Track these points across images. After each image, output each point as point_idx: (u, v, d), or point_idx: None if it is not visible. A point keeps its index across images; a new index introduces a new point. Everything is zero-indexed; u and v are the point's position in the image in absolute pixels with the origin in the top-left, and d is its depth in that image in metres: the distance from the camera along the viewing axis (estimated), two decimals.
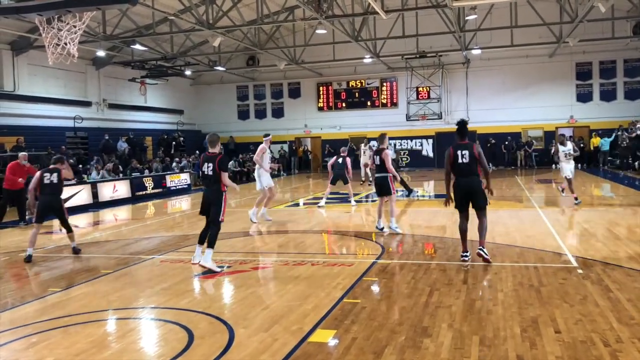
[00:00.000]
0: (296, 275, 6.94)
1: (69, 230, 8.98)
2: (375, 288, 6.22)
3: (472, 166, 7.02)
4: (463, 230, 7.25)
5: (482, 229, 7.07)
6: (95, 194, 16.99)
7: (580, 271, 6.62)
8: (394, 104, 30.42)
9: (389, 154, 9.72)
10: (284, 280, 6.79)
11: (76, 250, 8.93)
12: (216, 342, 4.63)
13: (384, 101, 30.66)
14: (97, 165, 19.23)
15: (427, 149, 30.45)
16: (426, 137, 30.30)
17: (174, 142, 27.55)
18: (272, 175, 13.66)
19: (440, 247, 8.52)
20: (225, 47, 25.27)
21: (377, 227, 9.93)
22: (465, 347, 4.33)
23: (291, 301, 5.74)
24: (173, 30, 21.60)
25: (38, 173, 8.88)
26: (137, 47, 22.00)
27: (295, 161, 32.29)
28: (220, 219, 7.19)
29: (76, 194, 16.10)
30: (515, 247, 8.09)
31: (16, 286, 6.99)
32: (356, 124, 30.37)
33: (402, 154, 30.67)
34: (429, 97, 29.75)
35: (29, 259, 8.34)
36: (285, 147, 32.30)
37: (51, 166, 8.92)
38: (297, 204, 16.14)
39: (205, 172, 7.20)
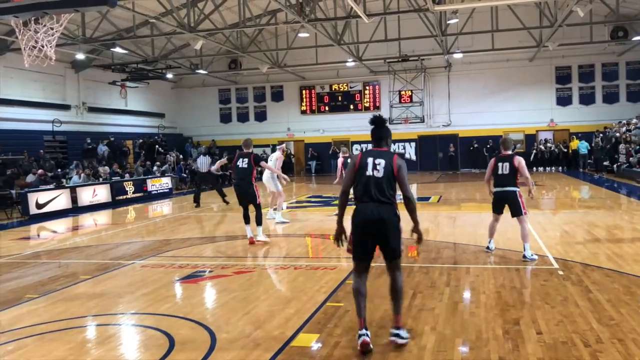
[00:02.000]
0: (279, 280, 6.89)
1: None
2: None
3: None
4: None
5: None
6: (74, 199, 16.72)
7: (561, 272, 6.68)
8: (377, 107, 30.52)
9: (522, 162, 7.47)
10: (266, 284, 6.74)
11: None
12: (197, 348, 4.56)
13: (367, 104, 30.76)
14: (77, 169, 18.94)
15: (410, 152, 30.59)
16: (409, 141, 30.45)
17: (156, 146, 27.27)
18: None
19: (423, 250, 8.53)
20: (207, 50, 25.12)
21: (487, 249, 8.01)
22: (448, 350, 4.33)
23: (273, 305, 5.69)
24: (154, 33, 21.41)
25: None
26: (118, 50, 21.75)
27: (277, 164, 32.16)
28: (258, 202, 9.03)
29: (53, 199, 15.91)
30: (497, 249, 8.13)
31: None
32: (339, 127, 30.42)
33: None
34: (411, 100, 29.93)
35: None
36: (269, 150, 32.18)
37: None
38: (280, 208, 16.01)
39: (240, 166, 8.92)
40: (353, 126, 30.06)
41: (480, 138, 28.63)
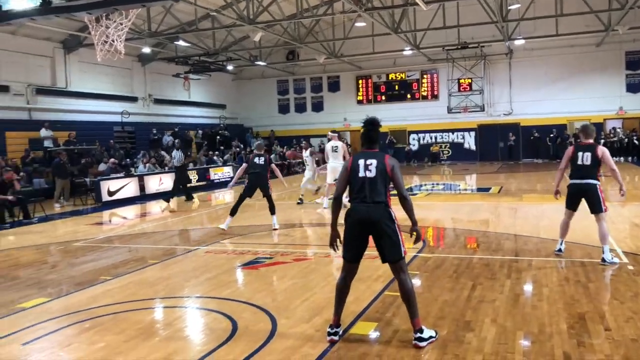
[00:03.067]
0: (337, 268, 6.97)
1: None
2: (416, 281, 6.19)
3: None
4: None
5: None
6: (142, 187, 17.56)
7: (630, 267, 6.41)
8: (435, 97, 29.99)
9: (607, 152, 6.71)
10: (324, 271, 6.85)
11: None
12: (259, 332, 4.73)
13: (425, 93, 30.27)
14: (144, 158, 19.81)
15: (469, 142, 29.91)
16: (468, 130, 29.77)
17: (217, 137, 28.03)
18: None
19: (483, 242, 8.39)
20: (266, 41, 25.45)
21: (559, 251, 7.15)
22: (509, 343, 4.27)
23: (332, 292, 5.75)
24: (215, 26, 21.92)
25: None
26: (181, 43, 22.45)
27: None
28: (270, 193, 9.83)
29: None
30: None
31: (70, 274, 7.31)
32: (396, 117, 30.04)
33: (443, 147, 30.31)
34: (470, 89, 29.19)
35: None
36: (325, 141, 32.35)
37: None
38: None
39: (258, 162, 9.80)
40: (410, 115, 29.73)
41: (542, 127, 27.58)
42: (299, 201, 13.95)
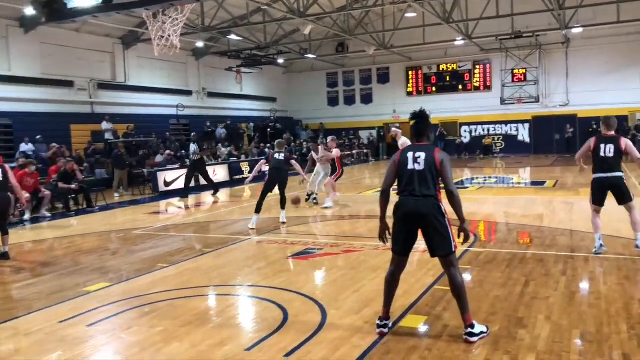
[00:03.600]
0: (386, 260, 6.97)
1: (5, 233, 7.96)
2: (467, 276, 6.12)
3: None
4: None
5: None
6: (196, 178, 18.05)
7: None
8: (488, 87, 29.27)
9: (630, 143, 6.72)
10: (374, 264, 6.87)
11: (5, 256, 7.87)
12: (310, 321, 4.81)
13: (477, 84, 29.60)
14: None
15: (523, 134, 29.06)
16: (522, 122, 28.91)
17: (268, 130, 28.44)
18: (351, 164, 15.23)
19: (537, 237, 8.19)
20: (316, 34, 25.53)
21: (600, 247, 6.81)
22: (564, 341, 4.17)
23: (381, 285, 5.77)
24: (266, 19, 22.17)
25: None
26: (233, 37, 22.85)
27: (384, 147, 32.15)
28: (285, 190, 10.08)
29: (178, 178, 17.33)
30: (620, 238, 7.58)
31: (130, 261, 7.65)
32: (447, 108, 29.53)
33: (496, 139, 29.59)
34: (525, 79, 28.31)
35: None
36: (374, 133, 32.23)
37: None
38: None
39: (278, 158, 9.98)
40: (462, 107, 29.15)
41: (601, 119, 26.40)
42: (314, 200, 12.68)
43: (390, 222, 4.51)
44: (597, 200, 6.76)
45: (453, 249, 4.27)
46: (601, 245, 6.78)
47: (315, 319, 4.86)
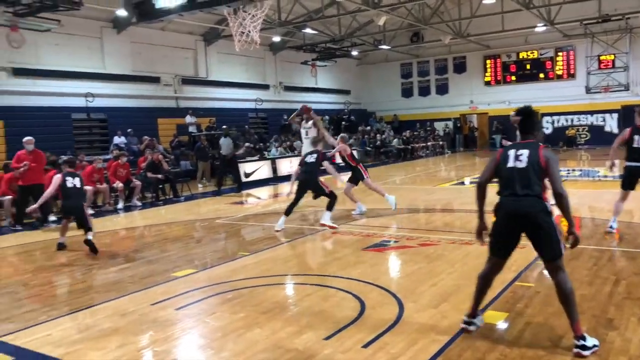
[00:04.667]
0: (465, 254, 6.88)
1: (88, 229, 7.90)
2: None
3: None
4: None
5: None
6: (274, 169, 18.60)
7: None
8: (571, 76, 27.75)
9: None
10: (451, 258, 6.79)
11: (92, 248, 7.77)
12: (387, 314, 4.85)
13: (560, 72, 28.15)
14: (276, 143, 20.90)
15: (611, 124, 27.32)
16: (610, 112, 27.17)
17: (343, 122, 28.58)
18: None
19: (627, 233, 7.73)
20: (390, 25, 25.25)
21: (610, 228, 7.55)
22: None
23: (459, 280, 5.74)
24: (340, 12, 22.22)
25: (57, 177, 8.15)
26: (308, 31, 23.09)
27: (461, 139, 31.36)
28: (328, 192, 9.11)
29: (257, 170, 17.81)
30: None
31: (213, 249, 8.03)
32: (528, 98, 27.96)
33: (580, 130, 28.04)
34: (613, 66, 26.53)
35: (60, 247, 8.17)
36: (450, 124, 31.50)
37: (69, 170, 8.34)
38: (463, 183, 15.77)
39: (308, 161, 9.24)
40: (544, 97, 27.79)
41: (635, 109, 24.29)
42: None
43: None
44: (626, 185, 7.31)
45: (562, 252, 3.97)
46: (611, 227, 7.42)
47: (393, 312, 4.89)
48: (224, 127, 16.43)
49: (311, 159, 9.31)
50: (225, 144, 15.25)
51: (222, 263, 7.04)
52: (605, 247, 7.00)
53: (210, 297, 5.60)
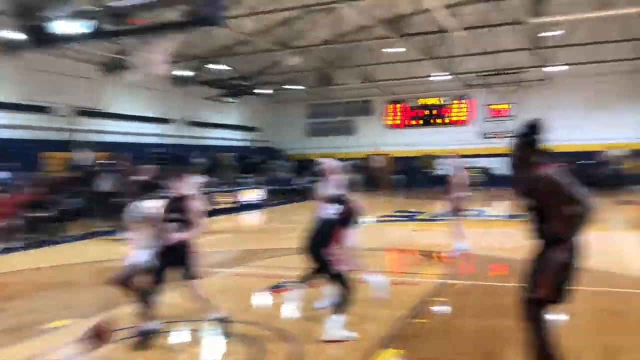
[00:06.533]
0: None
1: None
2: (443, 308, 6.10)
3: None
4: None
5: None
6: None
7: None
8: (467, 122, 29.98)
9: None
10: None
11: None
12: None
13: (457, 118, 30.34)
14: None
15: (502, 167, 29.54)
16: (501, 155, 29.43)
17: (246, 160, 28.50)
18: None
19: (515, 269, 8.19)
20: (300, 66, 25.85)
21: None
22: None
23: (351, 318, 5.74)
24: (251, 50, 22.35)
25: None
26: (215, 66, 22.96)
27: (363, 179, 32.36)
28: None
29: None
30: None
31: (93, 296, 7.43)
32: (429, 141, 30.09)
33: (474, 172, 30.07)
34: (507, 115, 29.11)
35: None
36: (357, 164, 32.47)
37: None
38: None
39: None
40: (442, 140, 29.64)
41: (579, 153, 27.05)
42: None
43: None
44: None
45: None
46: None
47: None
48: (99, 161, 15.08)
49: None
50: (104, 179, 14.15)
51: (103, 311, 6.40)
52: (494, 282, 7.35)
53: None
